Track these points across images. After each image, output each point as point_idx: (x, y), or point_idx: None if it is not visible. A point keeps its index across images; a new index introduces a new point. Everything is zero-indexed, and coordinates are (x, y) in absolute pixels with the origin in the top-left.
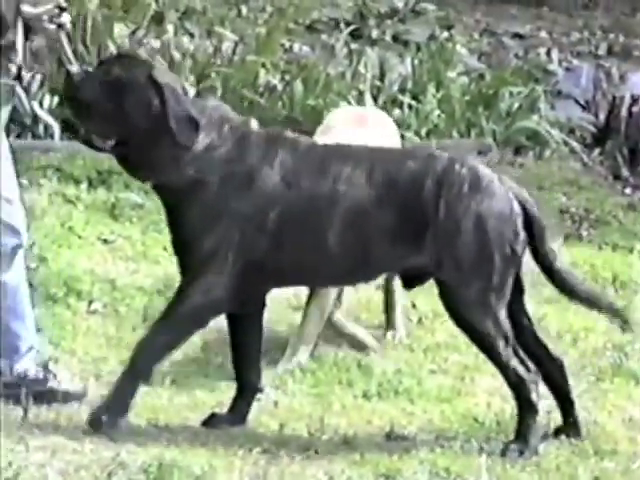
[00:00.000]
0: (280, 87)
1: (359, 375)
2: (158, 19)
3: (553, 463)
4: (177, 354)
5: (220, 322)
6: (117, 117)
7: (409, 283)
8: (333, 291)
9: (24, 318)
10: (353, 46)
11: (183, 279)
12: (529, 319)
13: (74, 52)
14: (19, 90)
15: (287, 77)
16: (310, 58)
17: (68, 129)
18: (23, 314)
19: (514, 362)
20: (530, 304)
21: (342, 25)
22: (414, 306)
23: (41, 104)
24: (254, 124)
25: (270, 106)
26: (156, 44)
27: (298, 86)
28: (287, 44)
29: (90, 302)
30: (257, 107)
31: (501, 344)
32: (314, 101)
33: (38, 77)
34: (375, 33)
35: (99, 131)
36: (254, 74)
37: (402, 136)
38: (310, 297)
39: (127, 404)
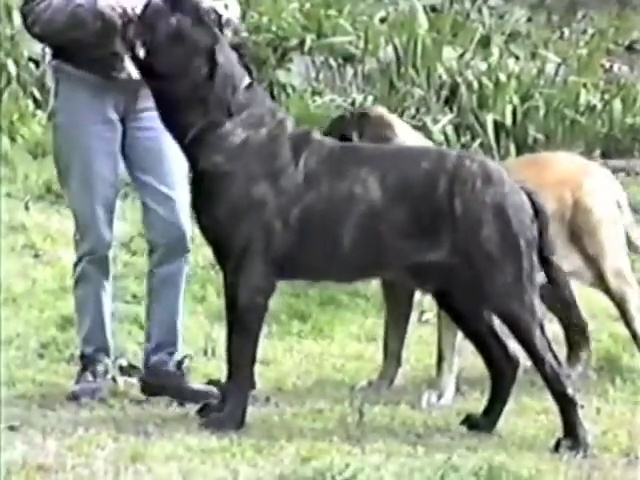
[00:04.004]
0: (600, 106)
1: None
2: (485, 42)
3: None
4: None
5: None
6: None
7: (420, 281)
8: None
9: (171, 314)
10: None
11: (226, 276)
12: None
13: (404, 74)
14: None
15: (606, 96)
16: (629, 77)
17: None
18: (171, 310)
19: (549, 355)
20: None
21: None
22: None
23: None
24: (289, 124)
25: (590, 124)
26: (483, 66)
27: (617, 105)
28: (607, 64)
29: (422, 312)
30: (578, 125)
31: (537, 333)
32: (632, 119)
33: (370, 98)
34: None
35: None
36: (575, 94)
37: None
38: (439, 336)
39: (243, 415)
